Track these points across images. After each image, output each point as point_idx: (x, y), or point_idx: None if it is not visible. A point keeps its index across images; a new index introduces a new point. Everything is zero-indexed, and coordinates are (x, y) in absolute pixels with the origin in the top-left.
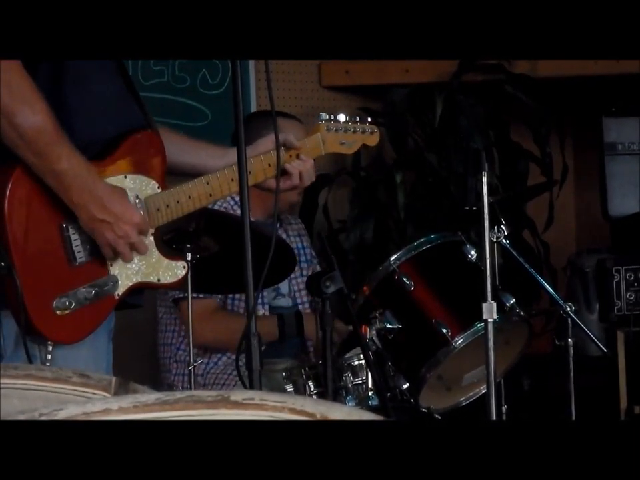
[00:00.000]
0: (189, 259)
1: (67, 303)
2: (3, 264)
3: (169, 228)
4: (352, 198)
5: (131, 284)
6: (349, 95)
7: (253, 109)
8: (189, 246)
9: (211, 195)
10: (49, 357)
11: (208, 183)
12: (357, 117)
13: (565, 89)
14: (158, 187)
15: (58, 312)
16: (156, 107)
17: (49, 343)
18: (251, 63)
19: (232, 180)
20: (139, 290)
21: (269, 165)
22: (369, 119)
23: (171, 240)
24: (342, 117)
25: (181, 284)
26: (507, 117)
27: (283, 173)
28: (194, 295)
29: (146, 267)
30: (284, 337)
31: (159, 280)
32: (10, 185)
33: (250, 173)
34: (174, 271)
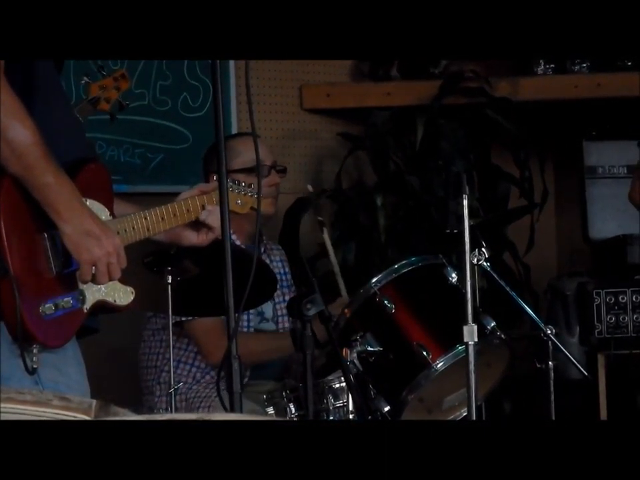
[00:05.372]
0: (169, 281)
1: (54, 308)
2: None
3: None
4: (333, 221)
5: (94, 300)
6: (330, 118)
7: (234, 131)
8: (169, 268)
9: (148, 230)
10: (35, 359)
11: (146, 218)
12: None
13: (545, 113)
14: (110, 214)
15: (45, 317)
16: (137, 129)
17: (34, 346)
18: (232, 85)
19: (162, 219)
20: (94, 313)
21: (187, 210)
22: (252, 185)
23: (152, 262)
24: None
25: (132, 307)
26: (487, 140)
27: (198, 225)
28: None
29: (106, 287)
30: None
31: (115, 301)
32: (2, 192)
33: (175, 215)
34: (127, 294)
